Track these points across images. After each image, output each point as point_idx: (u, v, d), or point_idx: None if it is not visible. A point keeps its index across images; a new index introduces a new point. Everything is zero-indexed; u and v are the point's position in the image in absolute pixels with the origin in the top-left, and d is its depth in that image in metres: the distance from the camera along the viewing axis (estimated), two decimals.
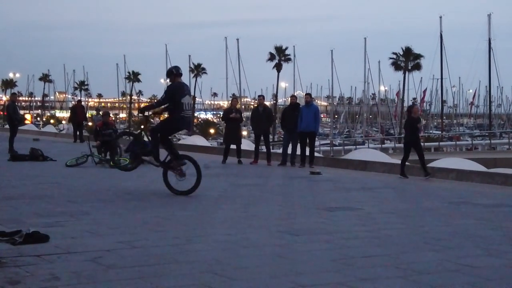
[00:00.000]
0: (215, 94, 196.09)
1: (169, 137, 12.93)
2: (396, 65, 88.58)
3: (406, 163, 18.18)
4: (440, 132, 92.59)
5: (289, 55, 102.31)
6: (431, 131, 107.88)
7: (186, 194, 12.19)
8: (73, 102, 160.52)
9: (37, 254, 6.74)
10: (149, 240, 7.70)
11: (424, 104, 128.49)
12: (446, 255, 7.18)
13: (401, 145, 66.02)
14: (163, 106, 12.53)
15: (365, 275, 6.17)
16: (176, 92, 12.21)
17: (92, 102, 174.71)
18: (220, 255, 6.95)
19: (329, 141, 76.40)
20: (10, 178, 14.99)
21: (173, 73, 12.44)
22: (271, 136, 53.20)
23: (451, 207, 11.75)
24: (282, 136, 24.42)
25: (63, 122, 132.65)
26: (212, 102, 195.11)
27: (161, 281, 5.83)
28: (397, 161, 25.76)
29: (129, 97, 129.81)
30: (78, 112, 33.52)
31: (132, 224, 8.89)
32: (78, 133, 33.55)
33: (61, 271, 6.08)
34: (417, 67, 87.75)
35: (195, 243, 7.62)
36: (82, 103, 37.17)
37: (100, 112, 37.70)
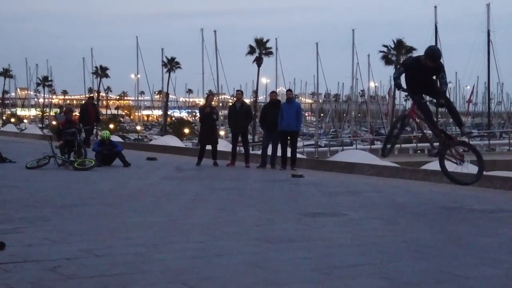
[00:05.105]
0: (190, 91, 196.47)
1: None
2: (387, 59, 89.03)
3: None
4: None
5: (270, 48, 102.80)
6: (425, 131, 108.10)
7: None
8: (35, 100, 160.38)
9: None
10: (114, 248, 7.67)
11: None
12: (437, 265, 7.19)
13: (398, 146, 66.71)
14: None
15: (348, 285, 6.17)
16: None
17: (57, 99, 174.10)
18: (190, 264, 6.93)
19: (313, 142, 76.57)
20: None
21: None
22: (250, 136, 53.15)
23: (444, 212, 11.80)
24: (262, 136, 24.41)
25: (25, 121, 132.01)
26: (187, 99, 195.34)
27: None
28: (388, 163, 25.89)
29: (96, 94, 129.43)
30: (89, 110, 30.48)
31: (96, 231, 8.86)
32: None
33: (16, 281, 6.04)
34: None
35: (163, 251, 7.60)
36: (94, 101, 33.51)
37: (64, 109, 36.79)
